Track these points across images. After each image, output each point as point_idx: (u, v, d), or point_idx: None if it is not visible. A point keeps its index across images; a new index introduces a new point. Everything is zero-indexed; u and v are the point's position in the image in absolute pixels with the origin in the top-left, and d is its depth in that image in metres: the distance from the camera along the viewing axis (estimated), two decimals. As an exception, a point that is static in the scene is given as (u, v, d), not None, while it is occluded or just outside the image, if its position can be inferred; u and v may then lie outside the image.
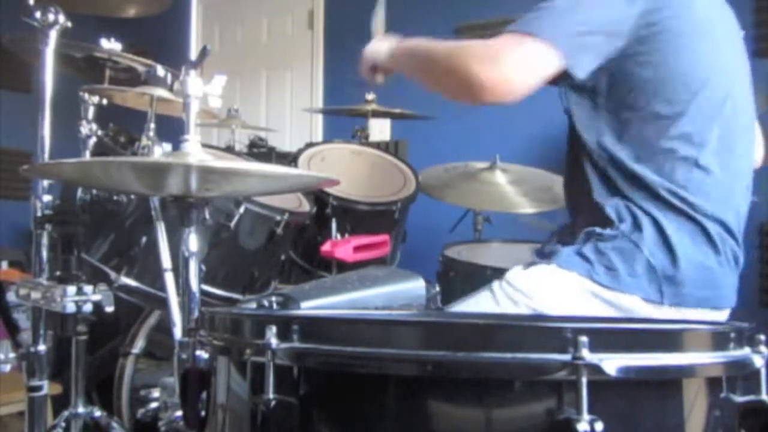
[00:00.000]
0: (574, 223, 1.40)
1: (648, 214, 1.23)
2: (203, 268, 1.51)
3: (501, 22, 3.41)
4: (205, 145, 1.29)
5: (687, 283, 1.21)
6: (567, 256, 1.25)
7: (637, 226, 1.23)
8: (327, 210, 2.03)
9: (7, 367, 1.44)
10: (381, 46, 1.45)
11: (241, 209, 1.69)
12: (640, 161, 1.25)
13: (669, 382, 0.67)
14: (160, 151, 1.49)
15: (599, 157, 1.29)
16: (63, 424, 1.63)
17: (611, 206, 1.26)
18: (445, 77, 1.27)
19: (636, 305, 1.20)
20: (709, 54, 1.27)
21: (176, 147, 1.17)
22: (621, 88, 1.26)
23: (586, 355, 0.60)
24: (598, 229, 1.26)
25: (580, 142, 1.33)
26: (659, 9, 1.21)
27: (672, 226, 1.22)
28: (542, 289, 1.25)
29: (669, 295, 1.20)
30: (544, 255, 1.33)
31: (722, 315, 1.27)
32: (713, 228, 1.23)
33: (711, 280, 1.23)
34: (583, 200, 1.32)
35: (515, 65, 1.17)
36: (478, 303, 1.31)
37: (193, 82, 1.16)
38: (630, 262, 1.21)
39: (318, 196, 2.02)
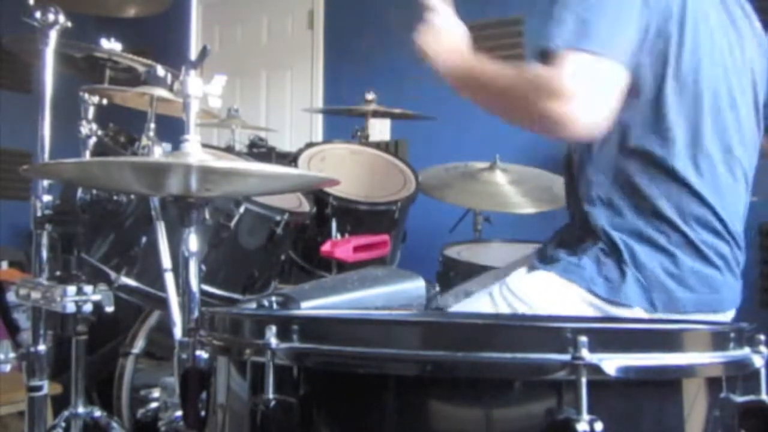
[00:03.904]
0: (575, 225, 1.38)
1: (649, 223, 1.20)
2: (203, 268, 1.51)
3: (501, 22, 3.43)
4: (205, 145, 1.29)
5: (684, 289, 1.19)
6: (567, 265, 1.24)
7: (637, 236, 1.20)
8: (327, 210, 2.03)
9: (7, 367, 1.44)
10: (441, 51, 1.31)
11: (241, 209, 1.69)
12: (632, 167, 1.21)
13: (669, 382, 0.67)
14: (160, 151, 1.49)
15: (599, 163, 1.25)
16: (63, 424, 1.63)
17: (609, 217, 1.23)
18: (517, 113, 1.18)
19: (635, 316, 1.18)
20: (700, 43, 1.19)
21: (176, 147, 1.17)
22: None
23: (586, 355, 0.60)
24: (598, 242, 1.23)
25: (580, 149, 1.30)
26: None
27: (671, 236, 1.19)
28: (541, 298, 1.24)
29: (667, 304, 1.18)
30: (545, 259, 1.31)
31: (726, 317, 1.26)
32: (711, 234, 1.21)
33: (709, 284, 1.21)
34: (582, 209, 1.29)
35: (587, 95, 1.06)
36: (476, 306, 1.30)
37: (193, 82, 1.16)
38: (629, 273, 1.19)
39: (318, 196, 2.02)
